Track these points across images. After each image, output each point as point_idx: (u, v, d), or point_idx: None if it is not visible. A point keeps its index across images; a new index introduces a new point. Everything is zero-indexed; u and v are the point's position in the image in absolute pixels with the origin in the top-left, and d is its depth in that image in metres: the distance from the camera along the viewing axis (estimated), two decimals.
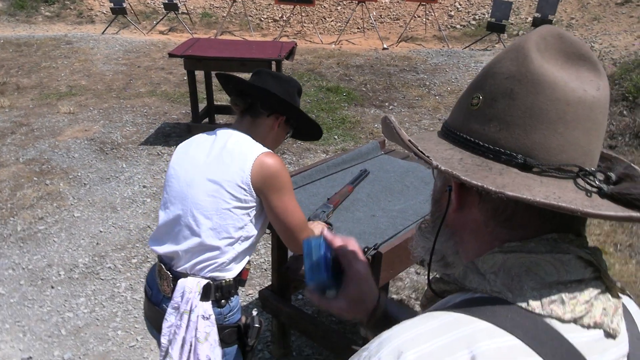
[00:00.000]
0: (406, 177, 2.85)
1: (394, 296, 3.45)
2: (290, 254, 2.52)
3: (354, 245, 1.01)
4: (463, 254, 0.78)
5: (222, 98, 7.08)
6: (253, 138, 1.75)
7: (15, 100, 7.08)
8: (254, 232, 1.73)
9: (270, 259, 3.45)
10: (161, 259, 1.78)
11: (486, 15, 11.63)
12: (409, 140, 0.72)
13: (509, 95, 0.68)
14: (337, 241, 1.00)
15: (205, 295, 1.68)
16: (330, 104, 6.97)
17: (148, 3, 13.22)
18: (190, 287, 1.67)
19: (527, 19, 11.35)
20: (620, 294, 0.71)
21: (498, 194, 0.62)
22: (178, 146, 1.87)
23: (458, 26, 11.88)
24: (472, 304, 0.67)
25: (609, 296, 0.68)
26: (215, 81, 6.89)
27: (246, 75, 2.26)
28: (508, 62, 0.70)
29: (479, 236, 0.74)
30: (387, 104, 7.12)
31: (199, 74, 5.79)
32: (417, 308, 2.96)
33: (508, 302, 0.65)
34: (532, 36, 0.70)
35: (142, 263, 3.71)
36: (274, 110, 1.80)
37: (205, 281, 1.68)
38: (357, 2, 11.15)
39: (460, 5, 12.32)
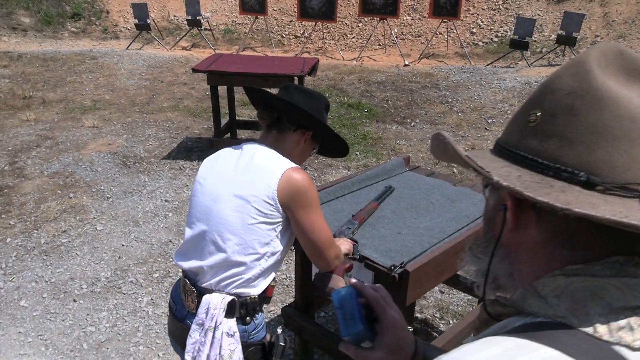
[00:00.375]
0: (432, 194, 2.81)
1: (418, 315, 3.38)
2: (314, 270, 2.48)
3: (383, 291, 0.99)
4: (518, 275, 0.75)
5: (243, 113, 7.12)
6: (279, 153, 1.73)
7: (40, 114, 7.20)
8: (280, 247, 1.70)
9: (293, 276, 3.42)
10: (186, 274, 1.76)
11: (509, 33, 11.58)
12: (467, 156, 0.70)
13: (570, 112, 0.66)
14: (367, 289, 0.97)
15: (230, 311, 1.65)
16: (351, 120, 6.95)
17: (172, 19, 13.42)
18: (215, 304, 1.64)
19: (550, 36, 11.28)
20: None
21: (564, 210, 0.59)
22: (204, 160, 1.85)
23: (480, 43, 11.84)
24: (535, 329, 0.63)
25: None
26: (237, 96, 6.93)
27: (270, 91, 2.25)
28: (568, 78, 0.67)
29: (536, 257, 0.71)
30: (409, 120, 7.09)
31: (222, 89, 5.82)
32: (442, 327, 2.89)
33: (573, 327, 0.61)
34: (592, 52, 0.68)
35: (163, 277, 3.70)
36: (300, 125, 1.78)
37: (230, 297, 1.66)
38: (378, 18, 11.19)
39: (482, 22, 12.29)
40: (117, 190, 4.99)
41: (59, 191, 4.96)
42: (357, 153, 5.91)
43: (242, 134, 6.43)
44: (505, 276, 0.76)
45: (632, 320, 0.61)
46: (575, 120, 0.65)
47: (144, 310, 3.38)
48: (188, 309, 1.73)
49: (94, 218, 4.49)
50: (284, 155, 1.73)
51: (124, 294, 3.54)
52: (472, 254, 0.82)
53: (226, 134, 5.97)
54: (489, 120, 7.11)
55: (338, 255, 1.81)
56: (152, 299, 3.49)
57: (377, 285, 0.99)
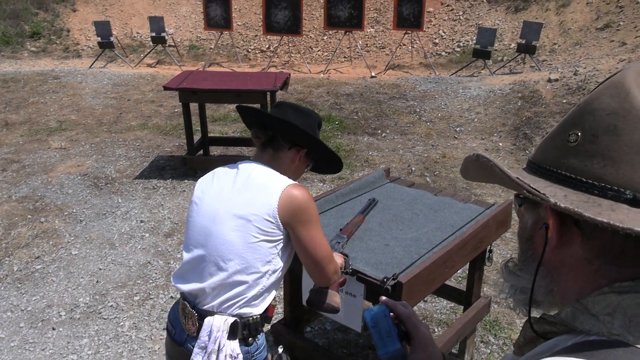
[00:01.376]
0: (414, 204, 2.84)
1: None
2: (305, 286, 2.48)
3: (409, 307, 1.01)
4: (559, 292, 0.76)
5: (215, 129, 7.08)
6: (275, 170, 1.73)
7: (4, 136, 7.01)
8: (281, 264, 1.70)
9: (281, 292, 3.40)
10: (185, 296, 1.74)
11: (470, 42, 11.85)
12: (517, 178, 0.70)
13: (612, 132, 0.68)
14: (399, 306, 0.99)
15: (232, 333, 1.64)
16: (323, 132, 6.99)
17: (135, 37, 13.28)
18: (217, 326, 1.63)
19: (510, 45, 11.59)
20: None
21: (625, 230, 0.61)
22: (199, 180, 1.84)
23: (443, 53, 12.08)
24: (591, 348, 0.65)
25: None
26: (209, 112, 6.90)
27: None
28: (608, 99, 0.70)
29: (581, 274, 0.72)
30: (379, 131, 7.16)
31: (192, 106, 5.79)
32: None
33: (629, 344, 0.63)
34: (628, 73, 0.70)
35: (144, 300, 3.64)
36: (295, 143, 1.79)
37: (233, 319, 1.64)
38: (343, 31, 11.31)
39: (444, 33, 12.55)
40: (90, 213, 4.89)
41: (29, 216, 4.83)
42: None
43: (214, 150, 6.39)
44: (544, 293, 0.78)
45: None
46: (618, 139, 0.67)
47: (127, 335, 3.31)
48: (188, 332, 1.71)
49: (68, 242, 4.38)
50: (280, 173, 1.73)
51: (105, 319, 3.46)
52: (510, 272, 0.83)
53: (199, 151, 5.92)
54: (457, 129, 7.24)
55: (337, 271, 1.82)
56: (134, 323, 3.42)
57: (403, 302, 1.00)
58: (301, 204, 1.63)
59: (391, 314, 0.99)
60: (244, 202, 1.64)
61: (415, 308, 3.56)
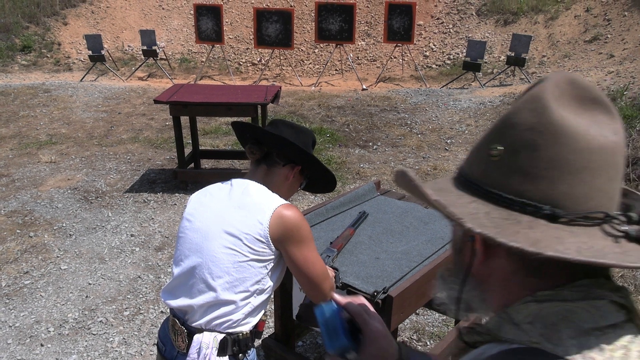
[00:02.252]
0: (405, 217, 2.85)
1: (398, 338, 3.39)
2: (295, 300, 2.47)
3: (363, 301, 1.02)
4: (490, 301, 0.77)
5: (205, 143, 7.08)
6: (268, 188, 1.73)
7: None
8: (270, 284, 1.69)
9: (271, 307, 3.38)
10: (174, 313, 1.72)
11: (460, 55, 11.95)
12: (436, 201, 0.71)
13: (531, 147, 0.68)
14: (350, 303, 1.00)
15: (222, 350, 1.63)
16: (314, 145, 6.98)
17: (126, 50, 13.29)
18: (206, 343, 1.61)
19: (499, 57, 11.70)
20: None
21: (537, 255, 0.62)
22: (191, 197, 1.83)
23: (434, 66, 12.17)
24: (512, 356, 0.66)
25: None
26: (200, 125, 6.90)
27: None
28: (527, 113, 0.70)
29: (508, 285, 0.73)
30: (371, 143, 7.19)
31: (183, 119, 5.78)
32: (420, 349, 2.92)
33: (547, 352, 0.64)
34: (547, 85, 0.70)
35: (134, 315, 3.60)
36: (290, 159, 1.79)
37: (222, 335, 1.63)
38: (334, 44, 11.37)
39: (434, 45, 12.66)
40: (80, 227, 4.85)
41: (18, 230, 4.79)
42: None
43: (205, 163, 6.38)
44: (478, 302, 0.79)
45: (601, 340, 0.64)
46: (537, 155, 0.67)
47: (116, 351, 3.27)
48: (178, 349, 1.69)
49: (57, 257, 4.34)
50: (272, 190, 1.73)
51: (94, 334, 3.42)
52: (444, 281, 0.84)
53: (189, 165, 5.91)
54: (448, 141, 7.28)
55: (333, 287, 1.81)
56: (123, 339, 3.38)
57: (357, 296, 1.02)
58: (293, 225, 1.63)
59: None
60: (236, 220, 1.63)
61: (407, 321, 3.56)
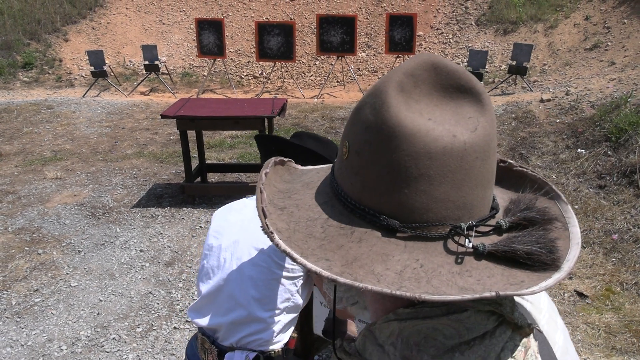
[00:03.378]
0: None
1: None
2: (317, 314, 2.44)
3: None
4: (370, 311, 0.73)
5: (211, 156, 7.06)
6: None
7: None
8: (300, 301, 1.67)
9: None
10: (203, 331, 1.70)
11: (461, 65, 11.98)
12: (262, 209, 0.65)
13: (370, 149, 0.61)
14: None
15: None
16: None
17: (127, 65, 13.32)
18: None
19: (500, 66, 11.73)
20: (530, 330, 0.64)
21: (331, 281, 0.55)
22: (215, 214, 1.81)
23: None
24: None
25: (517, 338, 0.62)
26: (205, 139, 6.89)
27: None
28: (368, 109, 0.62)
29: (374, 299, 0.68)
30: None
31: (189, 133, 5.78)
32: None
33: None
34: (395, 75, 0.62)
35: (147, 332, 3.57)
36: None
37: (254, 354, 1.61)
38: (335, 56, 11.40)
39: None
40: (88, 243, 4.82)
41: (26, 248, 4.76)
42: None
43: (211, 177, 6.36)
44: (351, 299, 0.77)
45: (467, 355, 0.59)
46: (373, 159, 0.60)
47: None
48: None
49: (67, 274, 4.31)
50: None
51: (107, 352, 3.38)
52: (332, 290, 0.82)
53: (196, 179, 5.89)
54: None
55: None
56: (137, 355, 3.34)
57: None
58: None
59: None
60: (263, 236, 1.61)
61: None
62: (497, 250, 0.58)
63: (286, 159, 0.76)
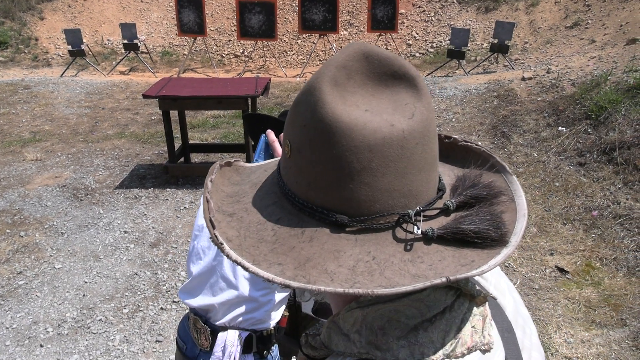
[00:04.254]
0: None
1: None
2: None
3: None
4: (331, 303, 0.72)
5: (194, 136, 7.01)
6: None
7: None
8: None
9: None
10: (195, 311, 1.70)
11: (443, 43, 11.98)
12: (210, 220, 0.64)
13: (309, 147, 0.60)
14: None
15: (247, 347, 1.61)
16: None
17: (106, 44, 13.07)
18: (231, 341, 1.60)
19: (482, 44, 11.75)
20: (484, 298, 0.66)
21: (286, 285, 0.55)
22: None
23: (417, 54, 12.19)
24: None
25: (475, 309, 0.64)
26: (188, 119, 6.82)
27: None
28: (303, 107, 0.61)
29: (333, 293, 0.69)
30: None
31: (171, 113, 5.71)
32: None
33: None
34: (327, 70, 0.61)
35: (134, 313, 3.57)
36: None
37: (247, 333, 1.62)
38: (318, 35, 11.32)
39: (417, 34, 12.67)
40: (71, 225, 4.78)
41: (7, 230, 4.70)
42: None
43: (195, 157, 6.32)
44: (307, 293, 0.76)
45: (430, 332, 0.60)
46: (314, 157, 0.60)
47: (118, 349, 3.24)
48: (201, 347, 1.67)
49: (51, 256, 4.27)
50: None
51: (94, 333, 3.38)
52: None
53: (179, 159, 5.85)
54: (437, 129, 7.30)
55: None
56: (125, 336, 3.35)
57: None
58: None
59: None
60: None
61: None
62: (446, 232, 0.59)
63: (233, 160, 0.74)
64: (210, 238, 0.62)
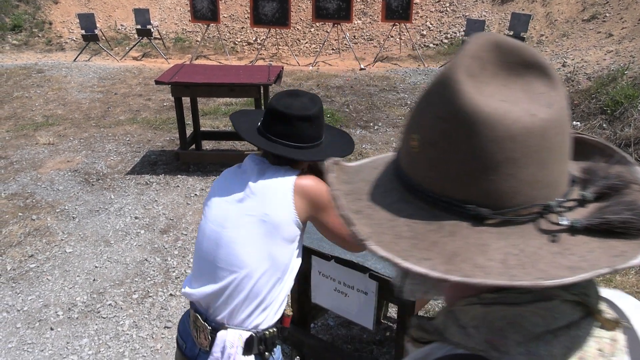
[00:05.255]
0: None
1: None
2: (314, 284, 2.45)
3: None
4: (443, 294, 0.73)
5: (205, 124, 7.00)
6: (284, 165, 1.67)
7: None
8: (296, 262, 1.67)
9: None
10: (196, 307, 1.67)
11: (457, 34, 11.86)
12: (342, 215, 0.63)
13: (446, 139, 0.59)
14: None
15: (248, 349, 1.59)
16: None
17: (119, 29, 13.08)
18: (231, 342, 1.57)
19: None
20: (616, 323, 0.64)
21: (443, 280, 0.54)
22: (213, 183, 1.77)
23: (431, 45, 12.08)
24: None
25: (604, 332, 0.62)
26: (200, 107, 6.81)
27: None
28: (436, 98, 0.60)
29: (453, 287, 0.67)
30: (371, 124, 7.15)
31: (183, 100, 5.70)
32: None
33: None
34: (460, 60, 0.60)
35: (143, 298, 3.58)
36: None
37: (248, 334, 1.59)
38: (331, 23, 11.24)
39: (431, 24, 12.55)
40: (82, 210, 4.80)
41: (20, 213, 4.74)
42: None
43: (206, 144, 6.32)
44: (433, 293, 0.75)
45: (553, 344, 0.58)
46: (452, 149, 0.59)
47: (127, 334, 3.26)
48: (200, 347, 1.65)
49: (62, 240, 4.30)
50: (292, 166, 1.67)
51: (104, 318, 3.40)
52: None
53: (191, 146, 5.84)
54: None
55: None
56: (134, 322, 3.37)
57: None
58: (314, 190, 1.60)
59: None
60: (257, 204, 1.58)
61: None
62: (592, 223, 0.58)
63: (339, 159, 0.73)
64: (351, 235, 0.61)
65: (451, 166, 0.59)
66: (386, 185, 0.68)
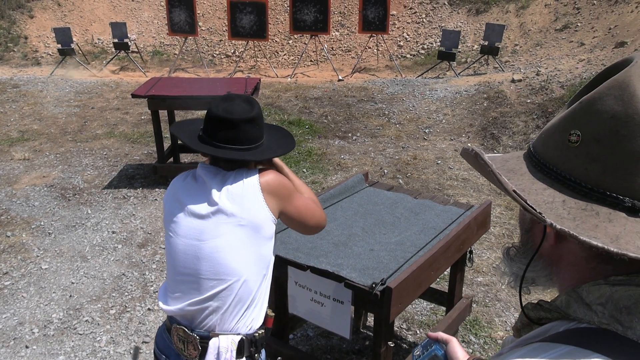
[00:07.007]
0: (395, 208, 2.86)
1: None
2: (291, 294, 2.46)
3: (449, 337, 1.07)
4: (558, 281, 0.78)
5: None
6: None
7: None
8: (272, 258, 1.70)
9: None
10: (177, 321, 1.66)
11: (434, 45, 12.02)
12: (514, 191, 0.70)
13: (614, 137, 0.66)
14: (443, 337, 1.05)
15: (239, 352, 1.60)
16: (294, 137, 6.95)
17: (96, 43, 13.01)
18: (225, 347, 1.57)
19: (473, 46, 11.80)
20: None
21: (621, 256, 0.61)
22: (165, 198, 1.74)
23: (408, 56, 12.22)
24: (582, 336, 0.66)
25: None
26: (178, 119, 6.77)
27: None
28: (612, 101, 0.67)
29: (579, 269, 0.73)
30: (350, 134, 7.19)
31: (161, 113, 5.69)
32: (410, 338, 2.90)
33: (618, 334, 0.65)
34: (634, 71, 0.67)
35: (121, 314, 3.55)
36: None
37: (239, 337, 1.61)
38: (309, 35, 11.32)
39: (408, 35, 12.70)
40: (58, 225, 4.75)
41: None
42: (304, 170, 5.93)
43: (184, 157, 6.30)
44: (544, 279, 0.79)
45: None
46: (620, 146, 0.65)
47: (105, 350, 3.22)
48: (189, 358, 1.64)
49: (37, 256, 4.24)
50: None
51: (81, 334, 3.36)
52: (511, 261, 0.84)
53: (169, 159, 5.82)
54: (426, 130, 7.33)
55: (322, 213, 1.81)
56: (111, 337, 3.33)
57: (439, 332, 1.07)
58: (277, 185, 1.65)
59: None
60: (230, 210, 1.59)
61: None
62: None
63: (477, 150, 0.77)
64: (525, 208, 0.68)
65: (615, 161, 0.66)
66: (530, 175, 0.74)
